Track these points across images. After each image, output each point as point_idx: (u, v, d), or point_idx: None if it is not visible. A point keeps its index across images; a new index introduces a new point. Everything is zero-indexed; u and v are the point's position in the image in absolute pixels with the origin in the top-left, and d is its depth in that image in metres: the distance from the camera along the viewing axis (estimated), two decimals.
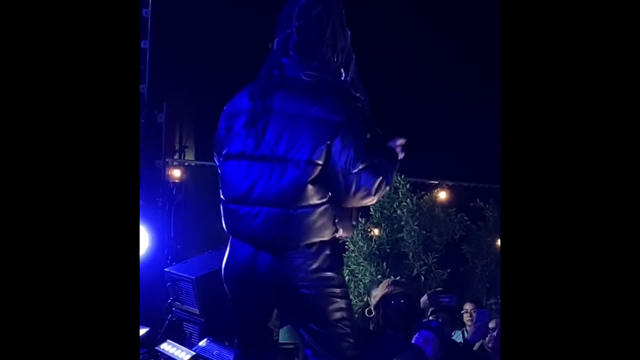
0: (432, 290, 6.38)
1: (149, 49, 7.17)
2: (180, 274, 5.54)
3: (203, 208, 8.98)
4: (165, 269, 5.72)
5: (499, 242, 8.87)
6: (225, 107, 3.20)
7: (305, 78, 3.03)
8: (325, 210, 2.99)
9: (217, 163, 3.20)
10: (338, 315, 3.06)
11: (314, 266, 3.02)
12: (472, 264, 10.01)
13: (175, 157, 11.15)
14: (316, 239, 3.02)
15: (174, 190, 8.12)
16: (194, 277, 5.41)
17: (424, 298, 5.62)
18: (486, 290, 9.57)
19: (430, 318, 5.42)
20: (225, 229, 3.19)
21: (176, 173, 8.86)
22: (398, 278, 8.94)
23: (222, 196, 3.14)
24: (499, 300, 7.28)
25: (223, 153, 3.11)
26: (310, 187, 2.93)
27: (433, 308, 5.59)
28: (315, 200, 2.96)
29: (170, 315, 5.54)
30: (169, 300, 5.54)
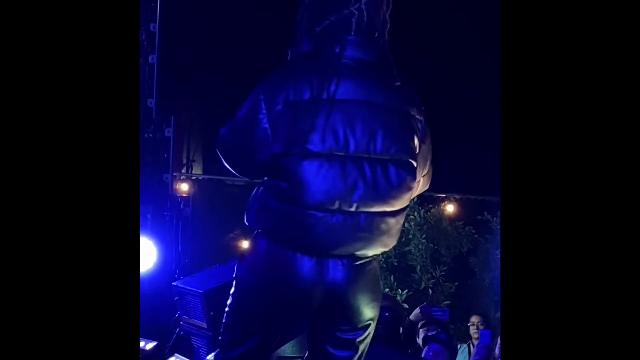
0: (424, 303, 6.38)
1: (156, 64, 7.20)
2: (188, 287, 5.54)
3: (211, 222, 9.00)
4: (173, 283, 5.73)
5: None
6: (262, 95, 2.57)
7: (373, 59, 2.63)
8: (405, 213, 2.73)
9: (279, 163, 2.57)
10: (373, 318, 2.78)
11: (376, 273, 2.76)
12: (480, 277, 10.00)
13: (182, 171, 11.19)
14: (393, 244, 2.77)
15: (181, 204, 8.14)
16: (202, 291, 5.41)
17: (417, 311, 5.61)
18: (494, 304, 9.56)
19: (422, 331, 5.40)
20: (287, 239, 2.64)
21: (184, 187, 8.89)
22: (400, 291, 8.95)
23: (296, 201, 2.55)
24: None
25: (295, 151, 2.51)
26: (414, 188, 2.69)
27: (424, 321, 5.58)
28: (408, 202, 2.72)
29: (178, 329, 5.54)
30: (177, 314, 5.54)
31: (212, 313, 5.22)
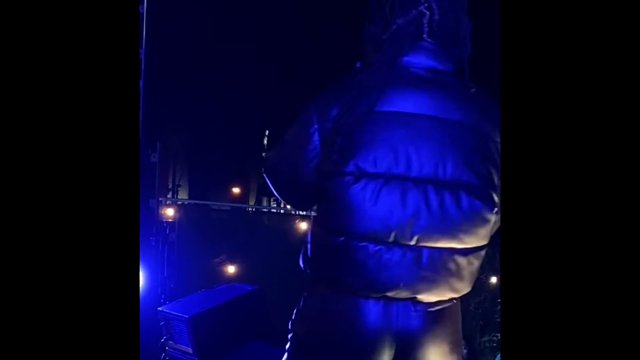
0: None
1: (141, 89, 7.20)
2: (173, 312, 5.54)
3: (196, 247, 8.96)
4: (158, 308, 5.72)
5: (493, 279, 8.86)
6: (313, 108, 2.21)
7: (448, 69, 2.26)
8: (484, 253, 2.29)
9: (329, 184, 2.15)
10: None
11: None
12: (466, 301, 10.01)
13: (168, 196, 11.16)
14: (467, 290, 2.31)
15: (167, 230, 8.11)
16: (187, 316, 5.41)
17: None
18: (480, 328, 9.55)
19: None
20: (341, 279, 2.21)
21: (169, 212, 8.84)
22: None
23: (345, 231, 2.14)
24: (494, 338, 7.26)
25: (345, 169, 2.09)
26: (492, 222, 2.21)
27: None
28: (485, 241, 2.27)
29: (163, 354, 5.52)
30: (162, 339, 5.52)
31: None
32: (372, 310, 2.17)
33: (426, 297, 2.20)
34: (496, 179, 2.16)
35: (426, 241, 2.13)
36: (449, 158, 2.12)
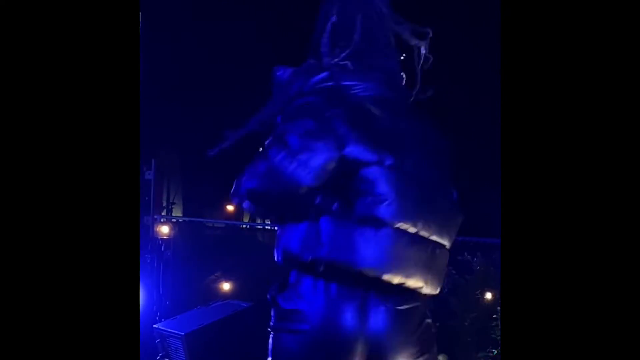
0: None
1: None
2: (169, 330, 5.53)
3: (191, 264, 8.96)
4: (154, 325, 5.71)
5: (487, 295, 8.87)
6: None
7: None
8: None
9: None
10: None
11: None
12: (461, 317, 9.99)
13: (163, 214, 11.16)
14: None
15: (162, 247, 8.12)
16: (183, 334, 5.40)
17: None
18: (475, 344, 9.55)
19: None
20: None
21: (164, 229, 8.84)
22: None
23: None
24: (489, 354, 7.26)
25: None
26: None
27: None
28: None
29: None
30: (158, 357, 5.52)
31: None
32: (353, 307, 2.32)
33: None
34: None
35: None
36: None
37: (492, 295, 8.88)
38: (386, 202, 2.29)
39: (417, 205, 2.34)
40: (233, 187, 2.50)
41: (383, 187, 2.30)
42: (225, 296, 8.01)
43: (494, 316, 8.30)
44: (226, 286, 8.49)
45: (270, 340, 2.57)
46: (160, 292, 7.53)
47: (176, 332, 5.47)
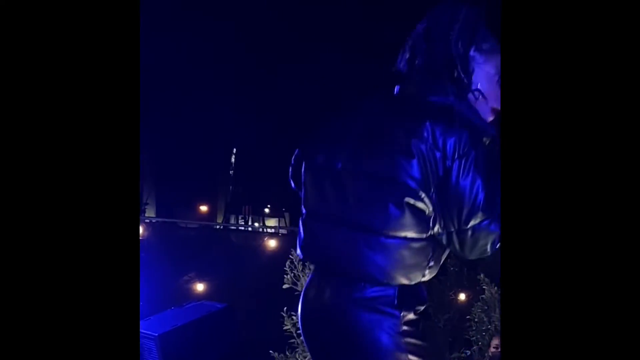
0: None
1: None
2: (142, 331, 5.50)
3: (165, 265, 8.92)
4: None
5: (461, 296, 8.90)
6: None
7: None
8: None
9: None
10: None
11: None
12: (436, 318, 10.02)
13: None
14: None
15: None
16: (156, 334, 5.38)
17: None
18: (449, 345, 9.59)
19: None
20: None
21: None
22: None
23: None
24: (462, 355, 7.29)
25: None
26: None
27: None
28: None
29: None
30: None
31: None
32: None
33: None
34: None
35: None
36: None
37: (467, 296, 8.91)
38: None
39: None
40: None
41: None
42: (199, 297, 7.98)
43: (468, 317, 8.33)
44: (200, 287, 8.47)
45: None
46: None
47: (150, 333, 5.44)
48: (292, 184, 2.68)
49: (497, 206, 2.31)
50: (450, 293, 9.78)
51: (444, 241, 2.39)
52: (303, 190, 2.56)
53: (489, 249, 2.39)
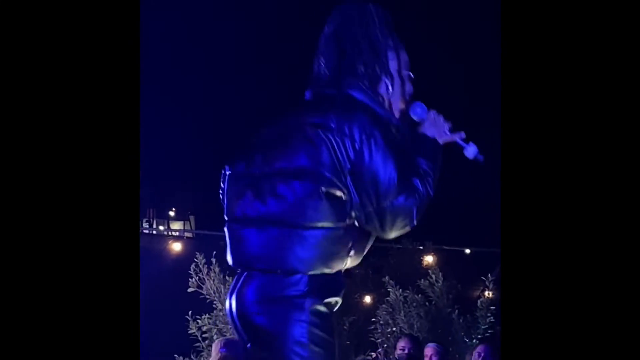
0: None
1: None
2: None
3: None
4: None
5: (366, 299, 8.98)
6: None
7: None
8: None
9: None
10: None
11: None
12: (340, 321, 10.07)
13: None
14: None
15: None
16: None
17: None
18: (354, 347, 9.65)
19: None
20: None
21: None
22: None
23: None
24: (368, 358, 7.34)
25: None
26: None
27: None
28: None
29: None
30: None
31: None
32: None
33: None
34: None
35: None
36: None
37: (372, 299, 8.98)
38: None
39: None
40: None
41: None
42: None
43: (373, 319, 8.40)
44: None
45: None
46: None
47: None
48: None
49: (411, 182, 2.44)
50: (355, 295, 9.85)
51: (364, 220, 2.46)
52: (225, 198, 2.63)
53: (408, 225, 2.48)
